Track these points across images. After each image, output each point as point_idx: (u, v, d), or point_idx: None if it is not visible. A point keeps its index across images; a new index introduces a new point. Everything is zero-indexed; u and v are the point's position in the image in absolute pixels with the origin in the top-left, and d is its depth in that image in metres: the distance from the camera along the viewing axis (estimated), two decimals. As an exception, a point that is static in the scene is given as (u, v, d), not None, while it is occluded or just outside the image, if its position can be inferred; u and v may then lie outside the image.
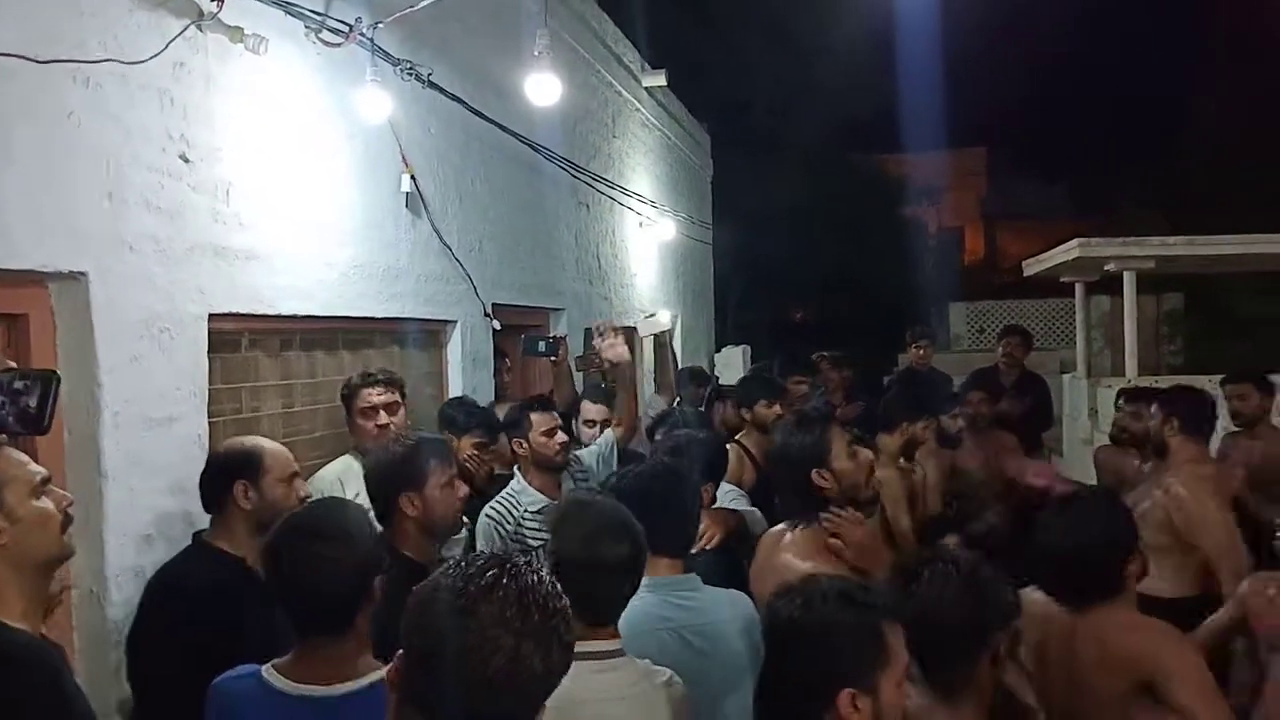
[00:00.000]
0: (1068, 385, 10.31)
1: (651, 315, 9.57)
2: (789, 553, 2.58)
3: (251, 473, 2.61)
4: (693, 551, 2.76)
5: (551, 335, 5.53)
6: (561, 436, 3.69)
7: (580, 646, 2.00)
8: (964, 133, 23.59)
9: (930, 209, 24.25)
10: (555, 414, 3.78)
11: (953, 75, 18.66)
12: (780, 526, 2.74)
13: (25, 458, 1.86)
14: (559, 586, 1.39)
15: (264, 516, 2.55)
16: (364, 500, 3.06)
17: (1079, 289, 10.59)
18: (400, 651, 1.35)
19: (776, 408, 4.61)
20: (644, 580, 2.44)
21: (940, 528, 4.09)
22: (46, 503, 1.83)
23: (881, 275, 17.33)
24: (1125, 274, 9.03)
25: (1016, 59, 25.87)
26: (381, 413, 3.48)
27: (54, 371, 1.50)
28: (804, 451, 2.59)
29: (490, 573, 1.34)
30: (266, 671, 1.92)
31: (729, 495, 3.63)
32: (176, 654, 2.34)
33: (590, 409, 4.38)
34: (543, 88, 4.24)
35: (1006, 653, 2.04)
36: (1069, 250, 9.24)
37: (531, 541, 3.44)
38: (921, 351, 7.29)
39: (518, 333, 5.46)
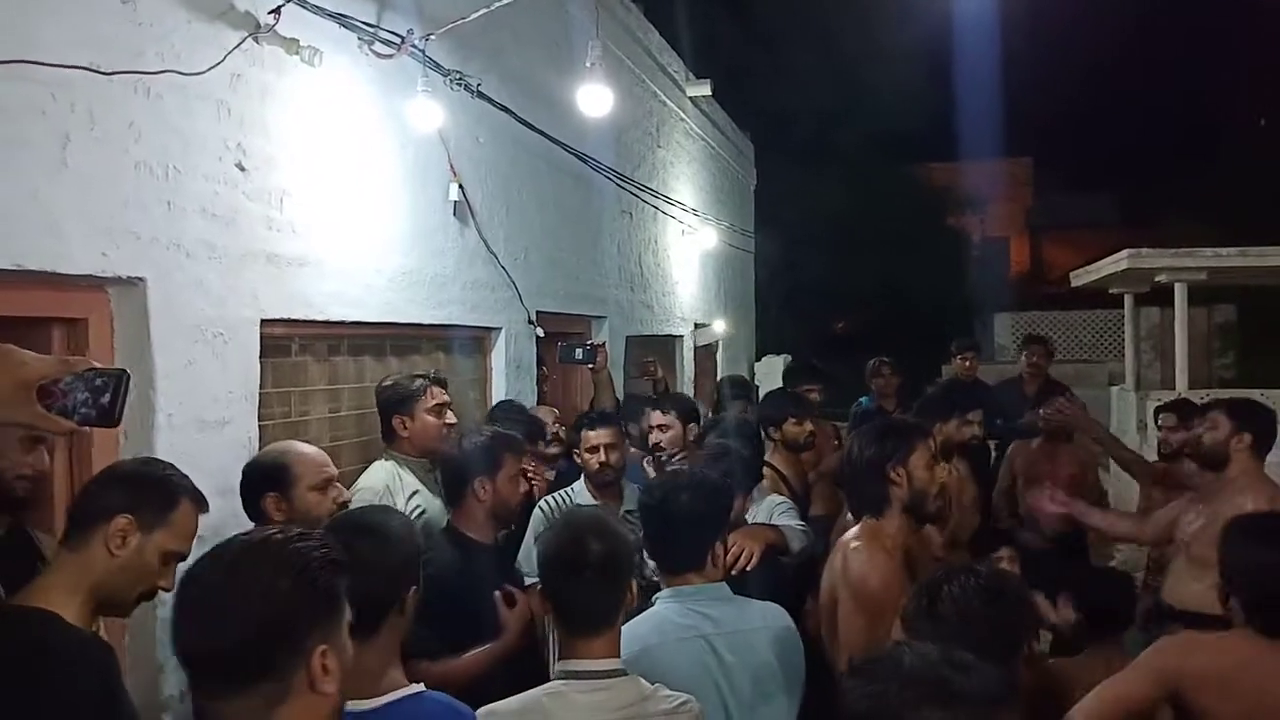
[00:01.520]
0: (1116, 398, 10.16)
1: (707, 326, 9.62)
2: (849, 547, 2.64)
3: (280, 484, 2.59)
4: (733, 573, 2.74)
5: (589, 343, 5.54)
6: (602, 456, 3.66)
7: (570, 665, 2.00)
8: (1009, 143, 23.25)
9: (975, 219, 23.96)
10: (610, 433, 3.72)
11: (998, 85, 18.43)
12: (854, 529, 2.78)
13: (196, 529, 2.00)
14: (331, 549, 1.43)
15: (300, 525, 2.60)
16: (415, 509, 3.10)
17: (1128, 300, 10.44)
18: None
19: (807, 424, 4.51)
20: (669, 590, 2.45)
21: (993, 539, 3.99)
22: (159, 571, 1.91)
23: (925, 285, 17.12)
24: (1177, 285, 8.87)
25: (1063, 69, 25.56)
26: (448, 411, 3.46)
27: (124, 370, 1.59)
28: (886, 448, 2.70)
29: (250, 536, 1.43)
30: None
31: (780, 508, 3.57)
32: None
33: (657, 417, 4.27)
34: (594, 99, 4.21)
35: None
36: (1119, 261, 9.11)
37: None
38: (967, 363, 7.18)
39: (560, 340, 5.49)
